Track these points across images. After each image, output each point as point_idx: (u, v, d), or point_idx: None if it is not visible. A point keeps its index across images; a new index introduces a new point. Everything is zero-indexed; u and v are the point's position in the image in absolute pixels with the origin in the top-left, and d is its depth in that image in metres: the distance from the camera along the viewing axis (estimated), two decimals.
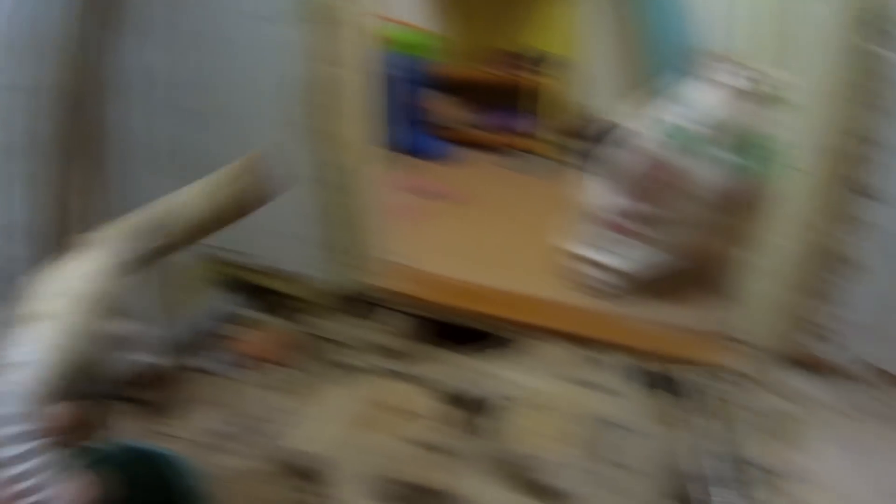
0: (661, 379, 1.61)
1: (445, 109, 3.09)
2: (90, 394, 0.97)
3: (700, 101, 1.64)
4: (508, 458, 1.29)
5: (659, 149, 1.64)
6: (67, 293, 0.79)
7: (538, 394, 1.41)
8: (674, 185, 1.65)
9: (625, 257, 1.79)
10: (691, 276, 1.95)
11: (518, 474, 1.26)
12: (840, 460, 1.34)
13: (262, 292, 1.88)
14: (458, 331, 1.75)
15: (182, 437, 1.41)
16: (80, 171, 1.42)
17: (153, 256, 0.92)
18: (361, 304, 1.82)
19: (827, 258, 1.41)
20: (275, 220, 1.74)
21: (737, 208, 1.70)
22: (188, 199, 0.96)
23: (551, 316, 1.73)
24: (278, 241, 1.79)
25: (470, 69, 3.08)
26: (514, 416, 1.37)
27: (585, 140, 1.78)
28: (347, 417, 1.46)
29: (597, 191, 1.81)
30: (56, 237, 1.34)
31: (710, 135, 1.61)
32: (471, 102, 3.16)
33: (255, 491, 1.30)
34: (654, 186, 1.67)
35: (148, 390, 1.51)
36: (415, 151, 2.88)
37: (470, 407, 1.47)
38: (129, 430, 1.39)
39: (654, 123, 1.67)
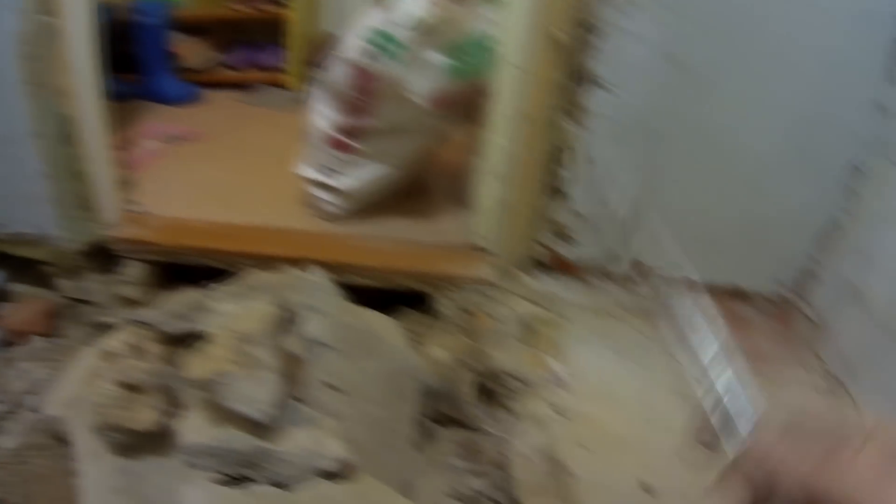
0: (402, 296, 1.62)
1: (192, 51, 2.88)
2: None
3: (405, 5, 1.59)
4: (212, 390, 1.24)
5: (362, 57, 1.60)
6: None
7: (249, 322, 1.36)
8: (381, 93, 1.64)
9: (349, 175, 1.77)
10: (426, 187, 1.99)
11: (222, 406, 1.21)
12: (601, 360, 1.32)
13: (16, 262, 1.74)
14: (196, 271, 1.68)
15: None
16: None
17: None
18: (105, 257, 1.72)
19: (556, 154, 1.38)
20: (4, 182, 1.58)
21: (458, 112, 1.72)
22: None
23: (282, 244, 1.69)
24: (13, 204, 1.63)
25: (215, 8, 2.90)
26: (221, 346, 1.32)
27: (320, 65, 1.74)
28: (82, 374, 1.40)
29: (317, 111, 1.78)
30: None
31: (413, 37, 1.58)
32: (217, 42, 2.98)
33: (28, 467, 1.29)
34: (362, 97, 1.65)
35: None
36: (162, 97, 2.69)
37: (182, 342, 1.42)
38: None
39: (361, 32, 1.63)
